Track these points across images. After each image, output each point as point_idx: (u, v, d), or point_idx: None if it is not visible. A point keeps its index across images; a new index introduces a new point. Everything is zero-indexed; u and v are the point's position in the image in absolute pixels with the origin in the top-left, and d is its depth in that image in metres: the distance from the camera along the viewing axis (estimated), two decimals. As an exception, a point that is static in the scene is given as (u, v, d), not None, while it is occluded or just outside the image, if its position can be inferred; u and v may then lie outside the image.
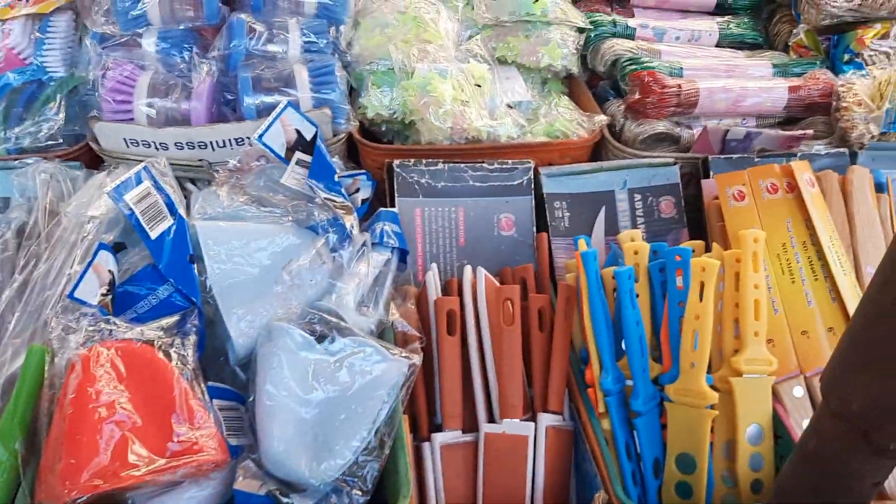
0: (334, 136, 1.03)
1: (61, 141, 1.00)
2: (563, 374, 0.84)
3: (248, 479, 0.76)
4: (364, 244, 0.87)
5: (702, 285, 0.81)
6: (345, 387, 0.77)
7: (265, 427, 0.75)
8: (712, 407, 0.80)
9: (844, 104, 1.07)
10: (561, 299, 0.87)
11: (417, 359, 0.79)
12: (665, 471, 0.82)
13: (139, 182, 0.81)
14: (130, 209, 0.79)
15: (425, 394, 0.85)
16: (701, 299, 0.81)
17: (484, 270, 0.88)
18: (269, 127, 0.94)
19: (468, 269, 0.90)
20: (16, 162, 0.98)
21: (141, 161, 0.97)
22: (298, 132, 0.95)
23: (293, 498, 0.76)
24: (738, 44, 1.25)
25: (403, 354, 0.79)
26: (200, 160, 1.00)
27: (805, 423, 0.72)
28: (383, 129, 1.10)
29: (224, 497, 0.78)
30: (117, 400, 0.71)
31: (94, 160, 1.03)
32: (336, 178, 0.94)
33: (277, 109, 0.94)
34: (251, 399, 0.79)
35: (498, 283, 0.89)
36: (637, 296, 0.84)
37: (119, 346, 0.73)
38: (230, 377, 0.85)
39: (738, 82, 1.09)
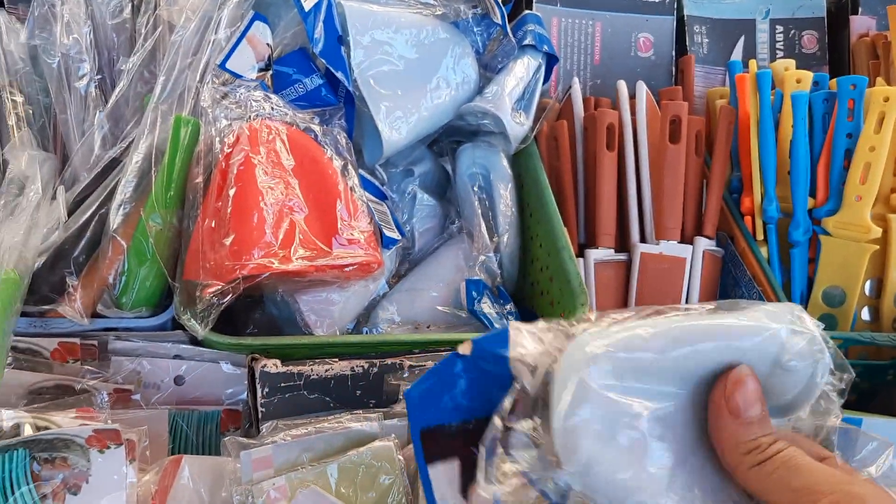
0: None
1: None
2: (719, 200, 0.81)
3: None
4: (524, 46, 0.80)
5: (880, 116, 0.78)
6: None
7: None
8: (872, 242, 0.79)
9: None
10: (723, 123, 0.82)
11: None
12: (810, 303, 0.81)
13: (291, -57, 0.71)
14: (285, -30, 0.70)
15: (574, 212, 0.81)
16: (878, 131, 0.78)
17: (645, 86, 0.83)
18: None
19: (623, 84, 0.84)
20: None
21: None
22: (438, -85, 0.85)
23: None
24: None
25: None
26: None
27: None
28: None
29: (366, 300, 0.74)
30: (287, 182, 0.64)
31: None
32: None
33: None
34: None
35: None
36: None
37: (287, 127, 0.66)
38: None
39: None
